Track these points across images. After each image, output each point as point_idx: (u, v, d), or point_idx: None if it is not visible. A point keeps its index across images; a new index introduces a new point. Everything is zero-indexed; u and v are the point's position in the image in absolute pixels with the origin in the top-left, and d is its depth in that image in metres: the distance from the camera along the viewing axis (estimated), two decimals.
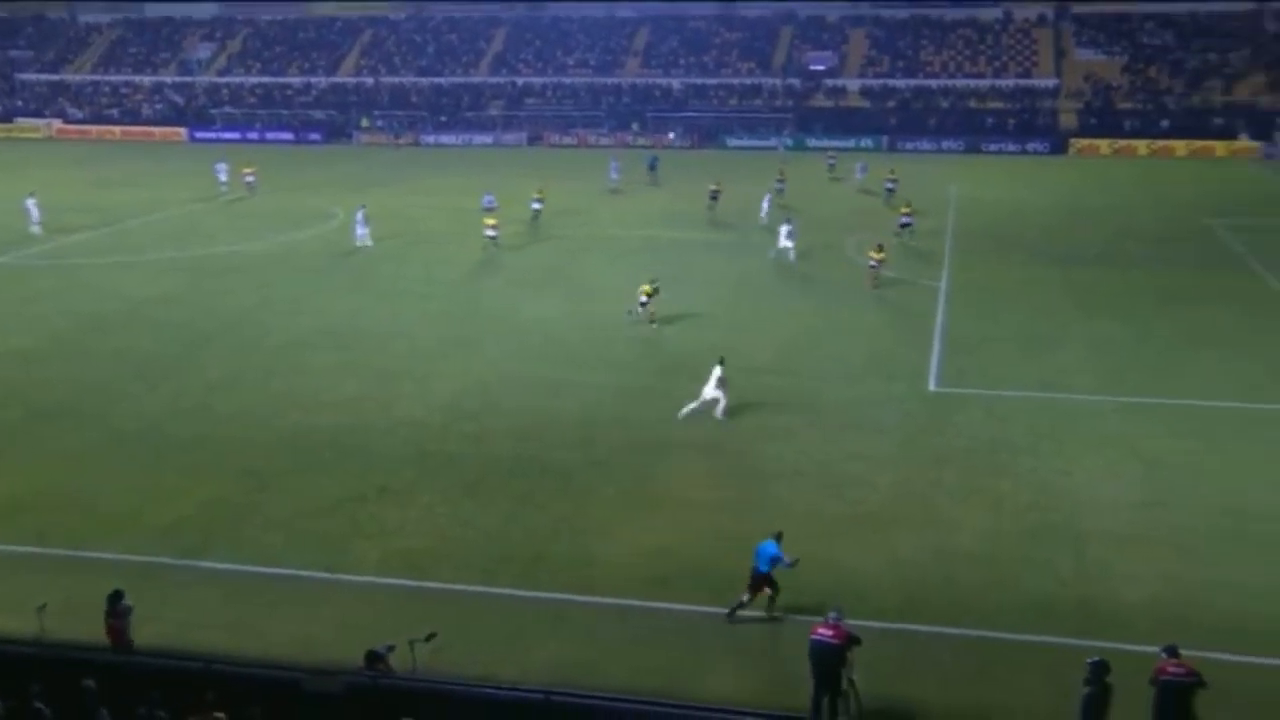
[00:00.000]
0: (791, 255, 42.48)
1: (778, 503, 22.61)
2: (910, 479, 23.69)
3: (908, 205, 47.70)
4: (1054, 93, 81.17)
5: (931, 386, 29.24)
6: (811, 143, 78.06)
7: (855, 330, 34.23)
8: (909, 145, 78.15)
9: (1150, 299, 37.51)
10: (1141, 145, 75.52)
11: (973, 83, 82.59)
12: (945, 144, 78.14)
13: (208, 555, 20.75)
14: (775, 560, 18.15)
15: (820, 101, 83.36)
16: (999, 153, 76.71)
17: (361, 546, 21.05)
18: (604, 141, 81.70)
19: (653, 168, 63.18)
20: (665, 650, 17.74)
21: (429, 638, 15.64)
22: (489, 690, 14.74)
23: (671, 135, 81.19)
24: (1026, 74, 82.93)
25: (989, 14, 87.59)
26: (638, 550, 20.79)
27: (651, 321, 34.42)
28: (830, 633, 15.67)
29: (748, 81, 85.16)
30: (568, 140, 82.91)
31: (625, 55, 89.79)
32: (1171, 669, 14.78)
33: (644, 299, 34.39)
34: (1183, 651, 15.05)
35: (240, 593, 19.51)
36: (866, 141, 78.82)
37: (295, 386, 29.73)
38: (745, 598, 18.32)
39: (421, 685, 14.80)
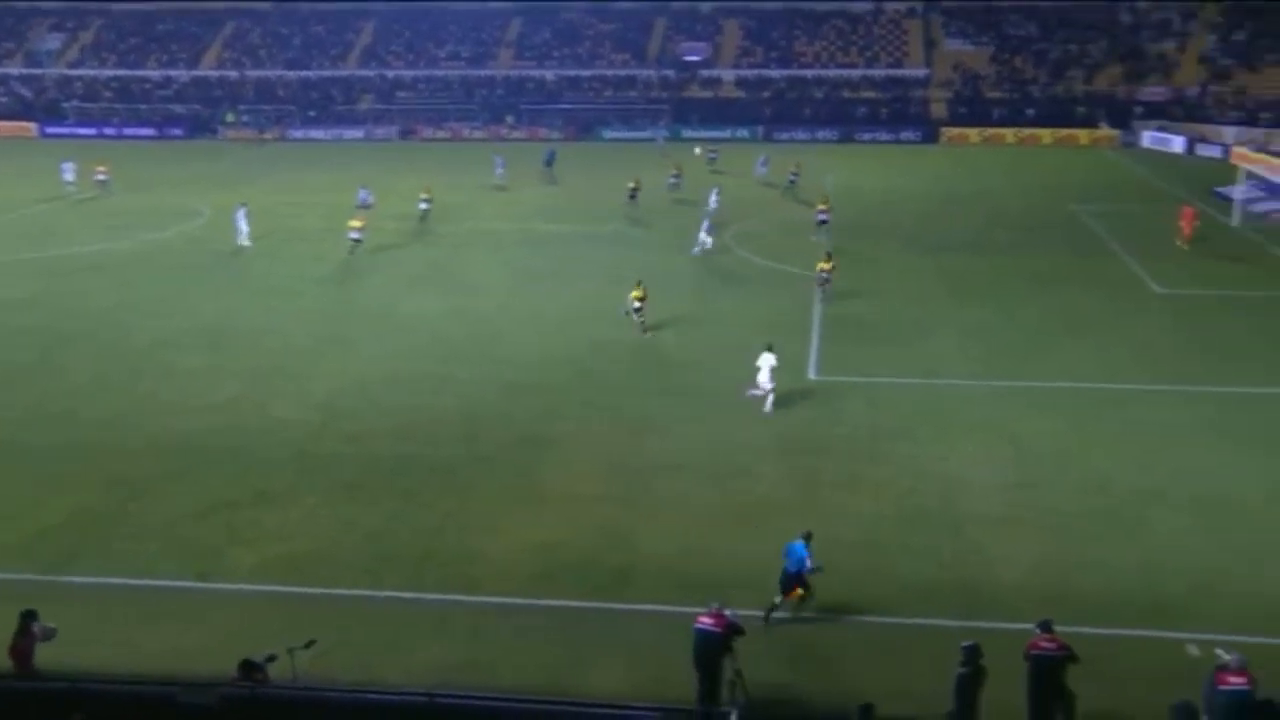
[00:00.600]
0: (709, 245, 42.48)
1: (661, 495, 22.78)
2: (792, 468, 24.08)
3: (825, 201, 46.86)
4: (925, 82, 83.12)
5: (811, 375, 29.74)
6: (687, 134, 78.45)
7: (735, 321, 34.59)
8: (784, 135, 79.19)
9: (1019, 284, 38.73)
10: (1009, 134, 77.81)
11: (846, 73, 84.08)
12: (820, 133, 79.40)
13: (75, 569, 20.07)
14: (802, 563, 18.17)
15: (695, 92, 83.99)
16: (873, 142, 78.25)
17: (238, 553, 20.60)
18: (478, 135, 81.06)
19: (549, 163, 61.75)
20: (551, 647, 17.76)
21: (308, 644, 15.39)
22: (371, 695, 14.58)
23: (544, 131, 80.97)
24: (898, 64, 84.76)
25: (860, 6, 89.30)
26: (523, 546, 20.76)
27: (645, 331, 32.87)
28: (711, 621, 15.87)
29: (622, 73, 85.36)
30: (441, 134, 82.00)
31: (498, 47, 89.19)
32: (1043, 644, 15.32)
33: (636, 304, 32.95)
34: (1057, 627, 15.61)
35: (110, 607, 18.92)
36: (742, 132, 79.66)
37: (165, 389, 28.92)
38: (778, 599, 18.28)
39: (301, 694, 14.55)
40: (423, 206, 49.22)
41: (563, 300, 37.11)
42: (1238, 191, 49.96)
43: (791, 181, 55.51)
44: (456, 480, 23.54)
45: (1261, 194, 51.72)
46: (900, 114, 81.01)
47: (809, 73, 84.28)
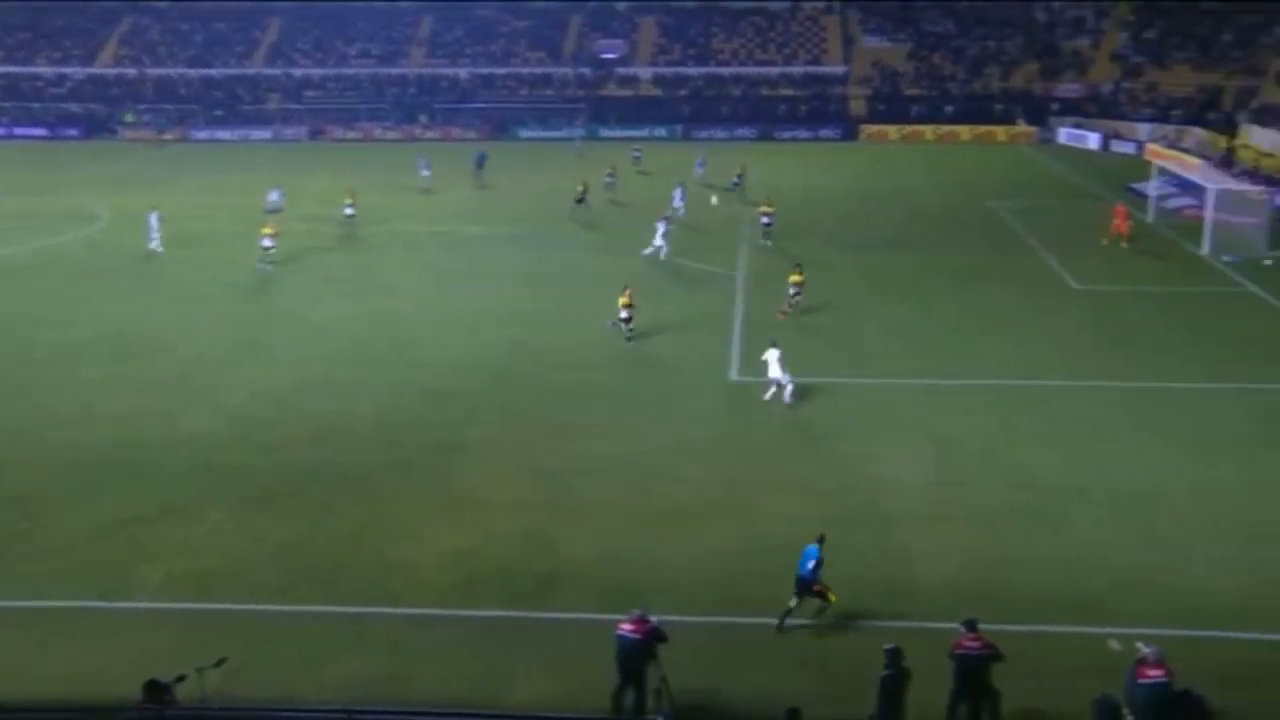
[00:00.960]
0: (663, 254, 41.84)
1: (584, 499, 22.70)
2: (716, 470, 24.13)
3: (768, 203, 45.33)
4: (843, 79, 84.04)
5: (734, 376, 29.86)
6: (605, 133, 78.37)
7: (657, 322, 34.61)
8: (703, 133, 79.53)
9: (939, 282, 39.29)
10: (928, 130, 79.02)
11: (764, 70, 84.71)
12: (739, 131, 79.89)
13: None
14: (817, 565, 17.96)
15: (612, 91, 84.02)
16: (792, 139, 78.91)
17: (144, 570, 20.08)
18: (391, 135, 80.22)
19: (480, 165, 60.02)
20: (473, 658, 17.56)
21: (219, 663, 15.00)
22: (286, 713, 14.29)
23: (457, 130, 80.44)
24: (816, 61, 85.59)
25: (778, 4, 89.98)
26: (442, 554, 20.53)
27: (629, 338, 32.29)
28: (632, 628, 15.82)
29: (538, 71, 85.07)
30: (352, 134, 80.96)
31: (409, 45, 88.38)
32: (967, 643, 15.50)
33: (624, 313, 32.28)
34: (982, 626, 15.80)
35: (5, 631, 18.31)
36: (660, 130, 79.83)
37: (66, 401, 28.14)
38: (792, 603, 18.13)
39: (212, 715, 14.21)
40: (347, 212, 47.37)
41: (482, 303, 36.86)
42: (1151, 188, 51.20)
43: (736, 184, 54.63)
44: (373, 488, 23.23)
45: (1174, 190, 53.05)
46: (819, 111, 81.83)
47: (727, 70, 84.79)
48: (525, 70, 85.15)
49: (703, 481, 23.58)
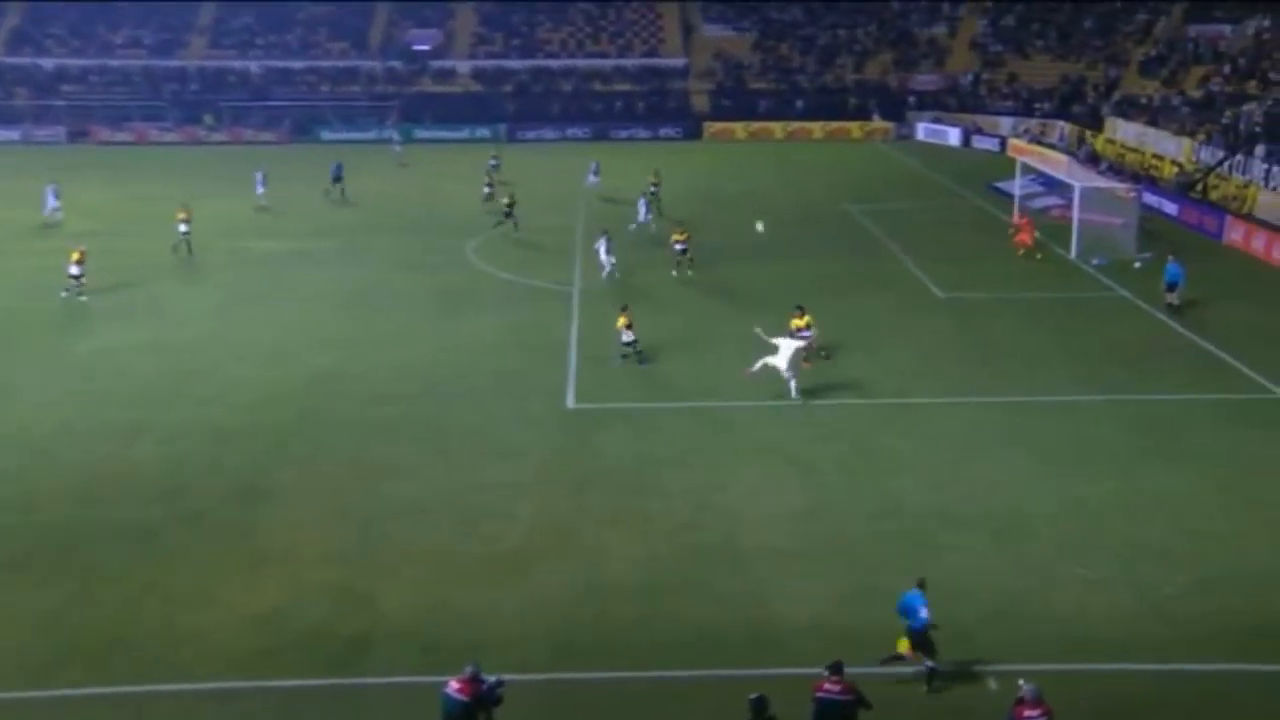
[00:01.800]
0: (614, 272, 41.41)
1: (403, 547, 22.37)
2: (552, 507, 24.08)
3: (681, 231, 43.02)
4: (684, 72, 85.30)
5: (569, 403, 29.89)
6: (420, 134, 77.54)
7: (481, 345, 34.47)
8: (530, 134, 79.70)
9: (794, 292, 39.96)
10: (777, 127, 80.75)
11: (596, 63, 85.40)
12: (571, 131, 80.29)
13: None
14: (919, 616, 17.77)
15: (427, 86, 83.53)
16: (630, 139, 79.66)
17: None
18: (170, 137, 78.02)
19: (337, 178, 57.01)
20: None
21: None
22: None
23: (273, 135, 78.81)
24: (653, 52, 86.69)
25: None
26: (241, 618, 19.94)
27: (638, 359, 32.53)
28: (459, 688, 15.67)
29: (341, 64, 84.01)
30: (123, 136, 78.28)
31: (188, 33, 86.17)
32: (828, 686, 15.75)
33: (627, 335, 32.49)
34: (849, 668, 16.07)
35: None
36: (482, 131, 79.65)
37: None
38: (906, 655, 17.94)
39: None
40: (182, 230, 45.04)
41: (289, 327, 36.13)
42: (1015, 186, 53.31)
43: (653, 193, 52.01)
44: (157, 546, 22.45)
45: (1039, 189, 55.34)
46: (658, 108, 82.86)
47: (555, 63, 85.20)
48: (327, 64, 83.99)
49: (536, 521, 23.49)
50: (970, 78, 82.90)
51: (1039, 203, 53.85)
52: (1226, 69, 65.45)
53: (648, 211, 48.74)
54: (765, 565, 21.80)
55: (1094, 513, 23.84)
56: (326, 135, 79.01)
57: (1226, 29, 71.45)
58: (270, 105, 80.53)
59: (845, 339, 34.58)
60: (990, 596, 20.69)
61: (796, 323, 32.15)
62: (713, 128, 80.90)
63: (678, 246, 42.12)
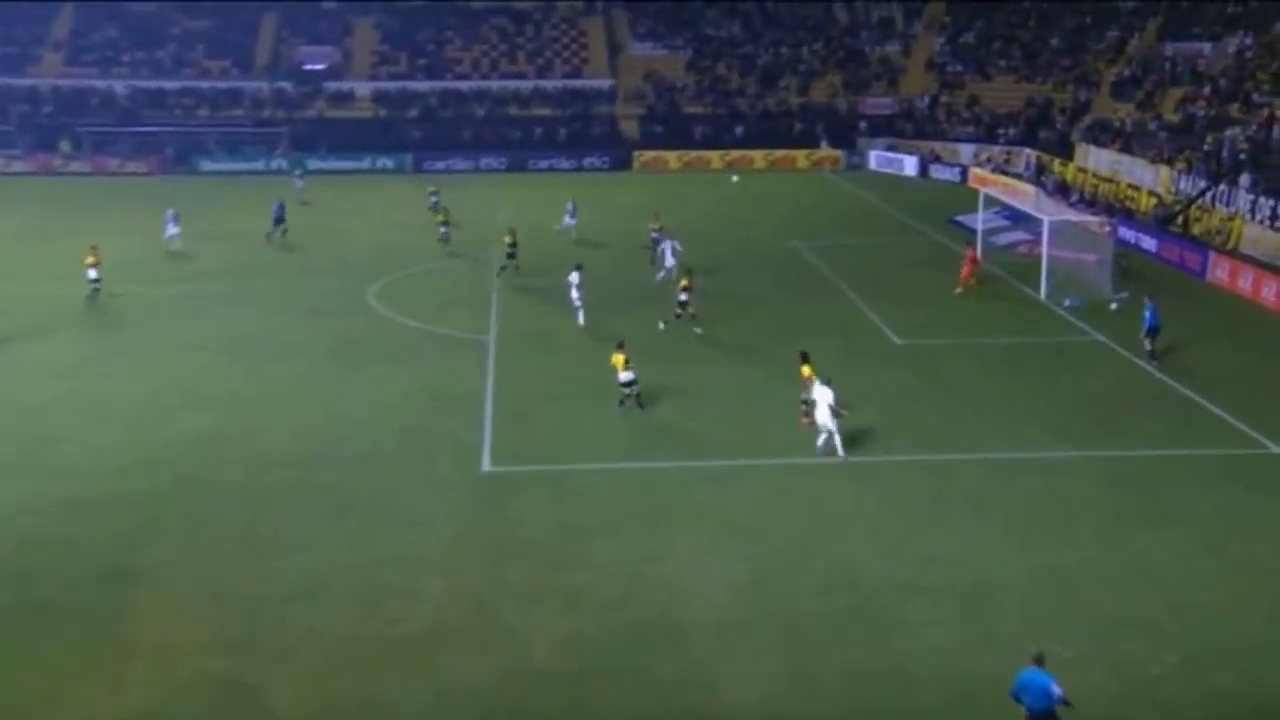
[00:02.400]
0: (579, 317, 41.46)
1: (296, 633, 22.12)
2: (466, 584, 23.94)
3: (687, 280, 42.13)
4: (610, 95, 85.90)
5: (485, 465, 29.81)
6: (315, 164, 76.66)
7: (385, 400, 34.31)
8: (439, 164, 79.68)
9: (739, 340, 40.35)
10: (715, 156, 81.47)
11: (513, 84, 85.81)
12: (485, 161, 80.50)
13: None
14: (1049, 694, 17.64)
15: (323, 110, 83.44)
16: (551, 170, 80.00)
17: None
18: (19, 167, 76.69)
19: (279, 220, 55.92)
20: None
21: None
22: None
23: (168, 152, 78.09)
24: (576, 73, 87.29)
25: (526, 2, 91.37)
26: None
27: (641, 405, 33.20)
28: None
29: (222, 85, 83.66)
30: None
31: (40, 48, 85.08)
32: None
33: (626, 376, 32.97)
34: None
35: None
36: (386, 161, 79.68)
37: None
38: None
39: None
40: (91, 276, 44.59)
41: (154, 383, 35.73)
42: (978, 220, 54.08)
43: (654, 239, 50.77)
44: None
45: (1005, 223, 56.21)
46: (582, 135, 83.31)
47: (466, 85, 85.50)
48: (205, 84, 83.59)
49: (448, 599, 23.34)
50: (927, 101, 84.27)
51: (1004, 238, 54.69)
52: (1206, 90, 66.92)
53: (672, 255, 47.37)
54: (707, 645, 21.78)
55: (1070, 582, 24.07)
56: (207, 166, 78.48)
57: (1205, 47, 73.10)
58: (139, 131, 79.61)
59: (789, 391, 34.76)
60: (957, 677, 20.80)
61: (806, 371, 32.20)
62: (643, 157, 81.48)
63: (681, 297, 41.56)
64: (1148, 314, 37.83)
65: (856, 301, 45.36)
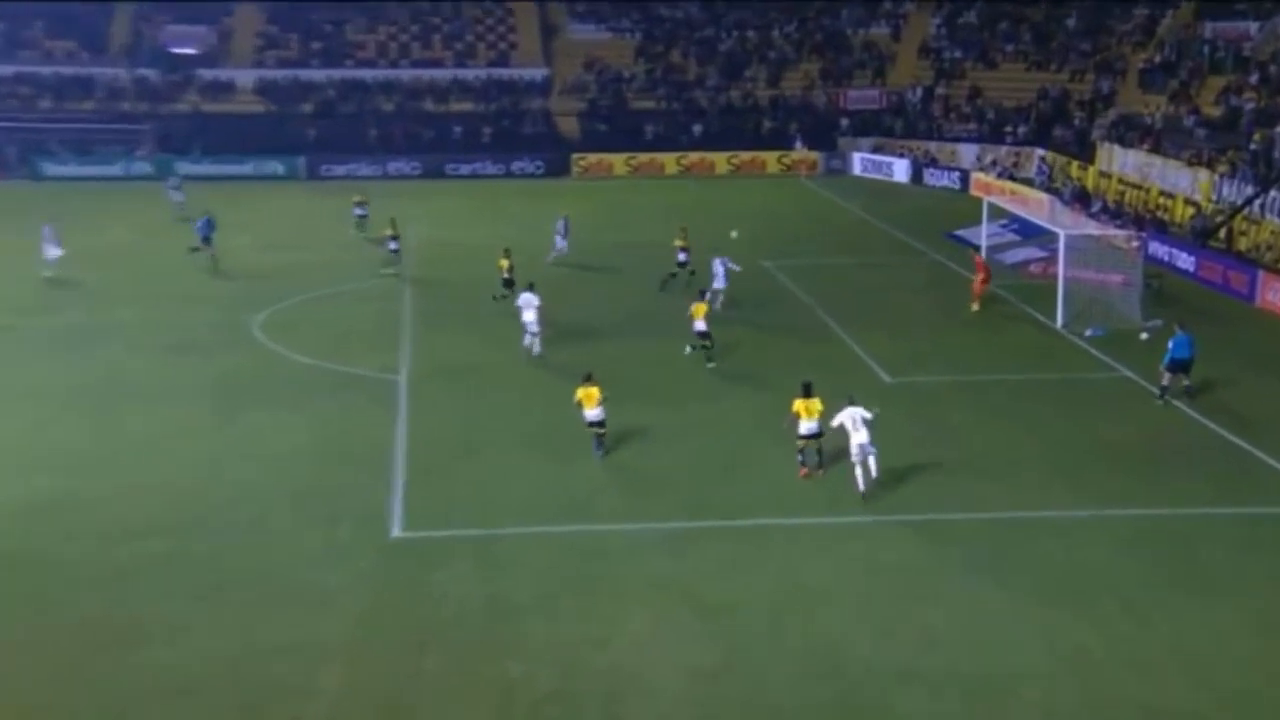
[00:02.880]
0: (536, 346, 42.12)
1: None
2: (372, 677, 23.76)
3: (701, 310, 42.17)
4: (544, 87, 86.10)
5: (396, 530, 29.66)
6: (187, 168, 76.00)
7: (273, 454, 34.08)
8: (339, 168, 79.61)
9: (702, 378, 40.38)
10: (670, 160, 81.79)
11: (427, 74, 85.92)
12: (394, 166, 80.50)
13: None
14: None
15: (195, 103, 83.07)
16: (473, 176, 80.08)
17: None
18: None
19: (207, 237, 55.43)
20: None
21: None
22: None
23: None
24: (504, 60, 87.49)
25: None
26: None
27: (602, 451, 33.92)
28: None
29: (68, 71, 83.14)
30: None
31: None
32: None
33: (593, 416, 33.83)
34: None
35: None
36: (275, 165, 79.45)
37: None
38: None
39: None
40: None
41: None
42: (981, 235, 54.38)
43: (681, 262, 51.34)
44: None
45: (1014, 237, 56.61)
46: (511, 135, 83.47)
47: (370, 74, 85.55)
48: (47, 70, 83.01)
49: (349, 696, 23.17)
50: (920, 94, 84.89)
51: (1013, 256, 55.07)
52: (1253, 78, 67.52)
53: (725, 278, 47.71)
54: None
55: (1095, 667, 24.11)
56: (51, 170, 77.76)
57: (1251, 26, 73.55)
58: None
59: (762, 439, 34.81)
60: None
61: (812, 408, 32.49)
62: (584, 161, 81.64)
63: (698, 327, 41.92)
64: (1173, 344, 37.93)
65: (838, 332, 45.55)
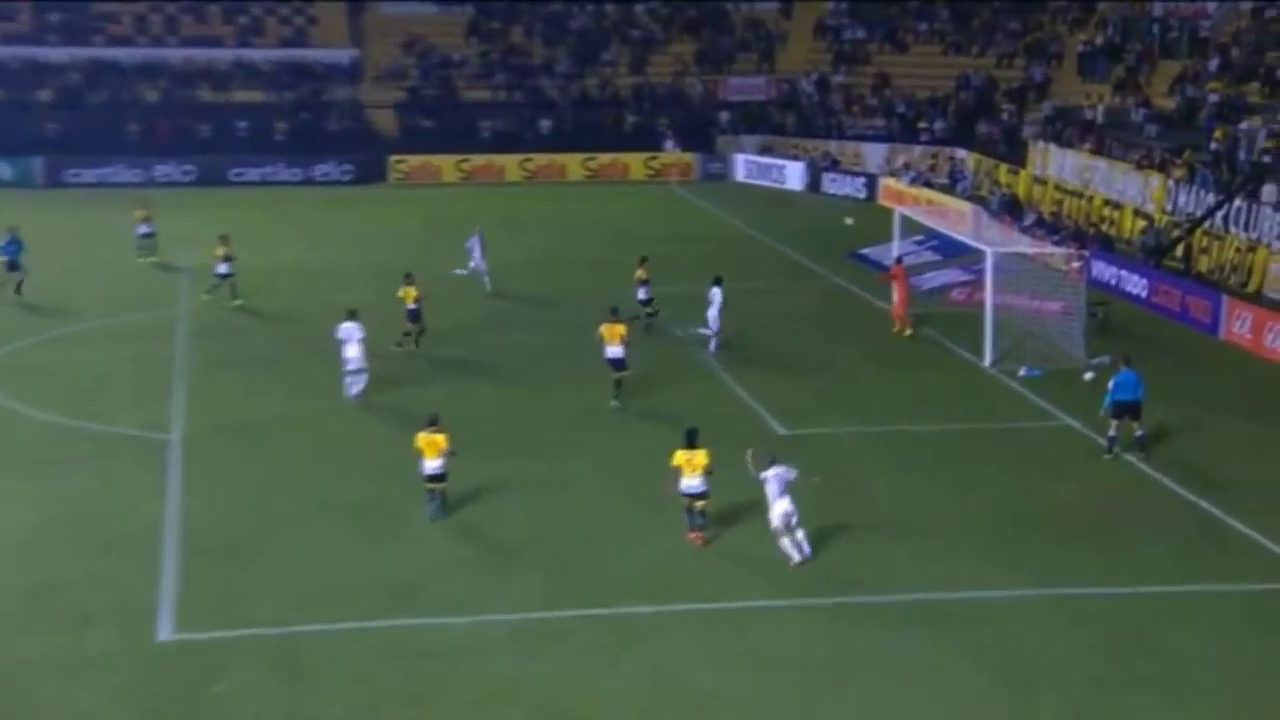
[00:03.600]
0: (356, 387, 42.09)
1: None
2: None
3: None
4: (353, 73, 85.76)
5: (166, 632, 29.17)
6: None
7: (4, 539, 33.52)
8: (88, 174, 78.71)
9: (549, 435, 40.16)
10: (511, 163, 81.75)
11: (202, 55, 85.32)
12: (161, 171, 79.93)
13: None
14: None
15: None
16: (264, 184, 79.63)
17: None
18: None
19: (13, 264, 54.44)
20: None
21: None
22: None
23: None
24: (300, 39, 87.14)
25: None
26: None
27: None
28: None
29: None
30: None
31: None
32: None
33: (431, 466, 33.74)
34: None
35: None
36: (2, 169, 78.07)
37: None
38: None
39: None
40: None
41: None
42: (892, 253, 54.70)
43: (645, 303, 51.68)
44: None
45: (932, 257, 57.06)
46: (311, 131, 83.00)
47: (127, 54, 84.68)
48: None
49: None
50: (816, 82, 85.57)
51: (931, 280, 55.51)
52: (1213, 63, 68.80)
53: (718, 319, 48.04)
54: None
55: None
56: None
57: (1210, 4, 75.07)
58: None
59: (627, 505, 34.76)
60: None
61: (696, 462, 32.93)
62: (404, 164, 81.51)
63: (610, 353, 42.77)
64: (1114, 383, 38.12)
65: (718, 373, 45.71)
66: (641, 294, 51.09)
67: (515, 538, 33.42)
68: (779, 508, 31.15)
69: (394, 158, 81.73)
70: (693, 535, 32.50)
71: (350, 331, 42.24)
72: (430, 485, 33.89)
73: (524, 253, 63.06)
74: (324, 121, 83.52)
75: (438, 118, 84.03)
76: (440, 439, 33.66)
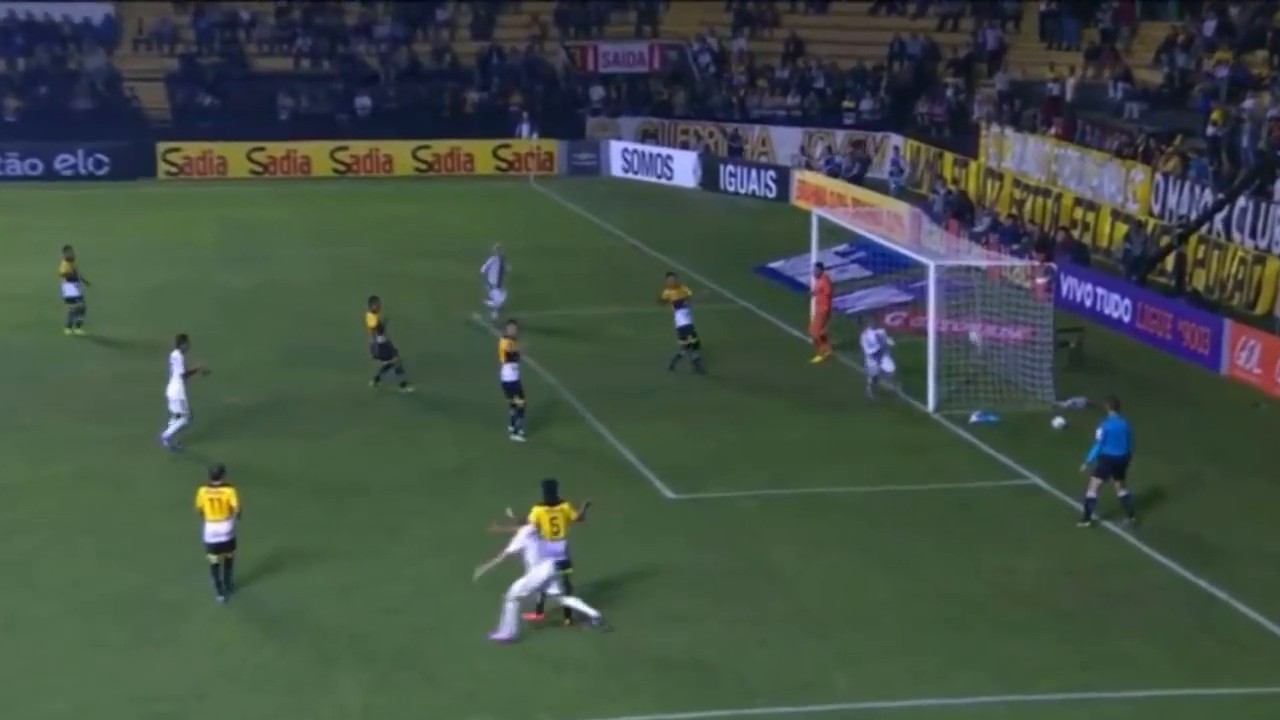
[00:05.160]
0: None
1: None
2: None
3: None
4: (108, 34, 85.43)
5: None
6: None
7: None
8: None
9: (387, 514, 39.92)
10: (320, 154, 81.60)
11: None
12: None
13: None
14: None
15: None
16: None
17: None
18: None
19: None
20: None
21: None
22: None
23: None
24: None
25: None
26: None
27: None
28: None
29: None
30: None
31: None
32: None
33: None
34: None
35: None
36: None
37: None
38: None
39: None
40: None
41: None
42: (809, 267, 54.99)
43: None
44: None
45: (859, 271, 57.36)
46: (53, 111, 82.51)
47: None
48: None
49: None
50: (712, 50, 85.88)
51: (858, 301, 55.77)
52: (1208, 26, 69.21)
53: (883, 355, 47.78)
54: None
55: None
56: None
57: None
58: None
59: (486, 600, 34.74)
60: None
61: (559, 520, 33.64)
62: (178, 154, 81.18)
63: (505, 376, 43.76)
64: (1103, 433, 37.96)
65: (591, 422, 45.76)
66: (681, 319, 50.95)
67: (324, 635, 33.16)
68: (540, 573, 31.42)
69: (165, 146, 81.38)
70: (532, 615, 32.50)
71: (173, 363, 42.43)
72: (213, 556, 33.54)
73: (337, 269, 62.89)
74: (69, 98, 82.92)
75: (222, 94, 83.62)
76: (227, 494, 33.43)
